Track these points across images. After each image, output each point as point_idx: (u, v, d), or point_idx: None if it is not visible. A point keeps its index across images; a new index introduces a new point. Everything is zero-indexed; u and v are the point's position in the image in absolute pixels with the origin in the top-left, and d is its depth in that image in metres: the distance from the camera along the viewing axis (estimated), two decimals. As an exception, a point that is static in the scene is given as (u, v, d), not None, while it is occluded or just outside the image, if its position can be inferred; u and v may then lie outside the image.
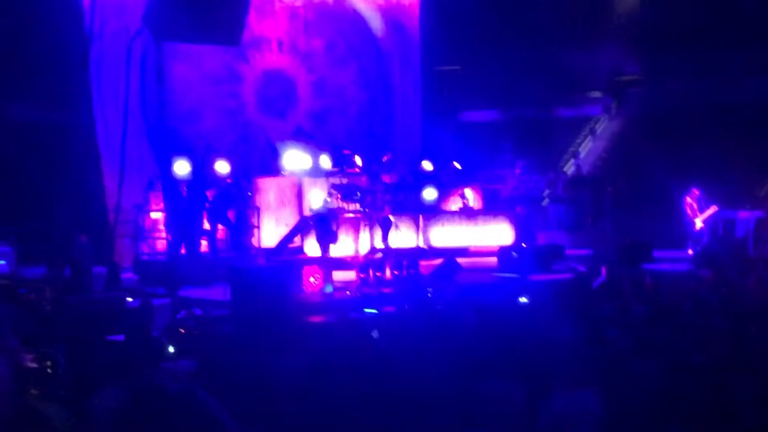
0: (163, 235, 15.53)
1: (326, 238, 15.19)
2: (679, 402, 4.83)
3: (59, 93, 16.22)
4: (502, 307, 8.71)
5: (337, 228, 15.55)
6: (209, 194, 15.49)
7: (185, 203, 14.41)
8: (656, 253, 16.49)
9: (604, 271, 10.85)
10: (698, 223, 17.64)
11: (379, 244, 16.18)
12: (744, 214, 17.89)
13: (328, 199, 15.99)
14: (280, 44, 20.74)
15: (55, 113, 16.64)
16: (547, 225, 20.82)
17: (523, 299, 9.55)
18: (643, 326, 6.98)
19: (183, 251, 14.67)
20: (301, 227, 16.09)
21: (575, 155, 25.17)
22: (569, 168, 24.51)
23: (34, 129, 17.34)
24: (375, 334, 6.95)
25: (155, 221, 16.09)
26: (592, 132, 27.57)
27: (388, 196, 17.36)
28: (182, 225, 14.25)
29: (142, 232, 15.62)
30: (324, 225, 15.32)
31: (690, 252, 16.94)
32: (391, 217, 16.45)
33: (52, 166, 15.20)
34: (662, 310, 7.55)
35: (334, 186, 17.04)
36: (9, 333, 5.49)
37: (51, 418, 3.06)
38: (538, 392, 5.26)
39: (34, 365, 5.25)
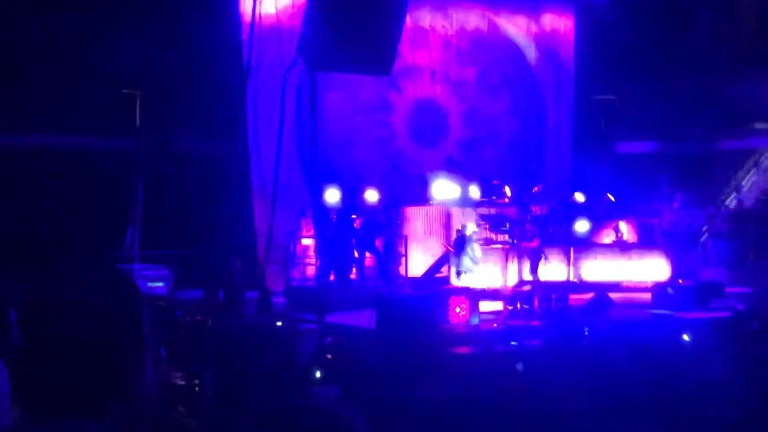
0: (313, 261, 15.83)
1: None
2: None
3: (218, 125, 16.87)
4: (655, 345, 8.37)
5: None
6: (358, 222, 15.68)
7: (334, 231, 14.65)
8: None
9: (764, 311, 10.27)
10: None
11: (527, 276, 15.91)
12: None
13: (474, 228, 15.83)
14: (432, 74, 20.86)
15: (214, 144, 17.31)
16: (706, 261, 19.99)
17: (685, 337, 9.14)
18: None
19: (331, 278, 14.88)
20: (447, 258, 16.04)
21: (738, 189, 24.11)
22: (731, 202, 23.49)
23: (194, 159, 18.10)
24: (520, 366, 6.80)
25: (305, 248, 16.43)
26: (757, 165, 26.33)
27: (537, 227, 17.08)
28: (331, 252, 14.48)
29: (292, 258, 15.96)
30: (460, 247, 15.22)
31: None
32: (541, 249, 16.17)
33: (210, 195, 15.79)
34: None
35: (482, 216, 16.92)
36: (160, 347, 5.67)
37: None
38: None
39: (182, 383, 5.40)
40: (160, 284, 14.96)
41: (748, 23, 27.61)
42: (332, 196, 15.04)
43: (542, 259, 15.98)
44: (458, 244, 15.38)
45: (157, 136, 17.89)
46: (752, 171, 26.03)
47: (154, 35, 16.83)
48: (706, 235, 21.32)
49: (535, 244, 16.27)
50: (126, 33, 17.03)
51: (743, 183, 25.24)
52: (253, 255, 15.85)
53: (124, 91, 17.61)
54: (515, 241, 16.53)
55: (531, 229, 16.94)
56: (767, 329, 9.23)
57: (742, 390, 5.90)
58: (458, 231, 15.65)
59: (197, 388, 5.45)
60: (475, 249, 15.34)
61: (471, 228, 15.83)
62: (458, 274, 15.23)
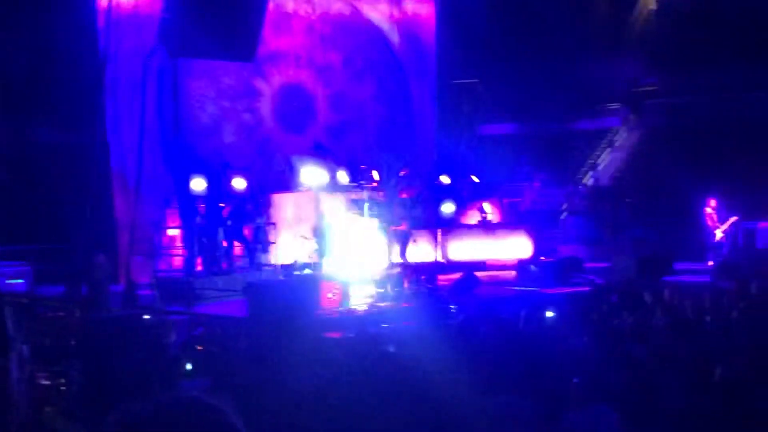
0: (180, 252, 15.55)
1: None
2: (700, 417, 4.75)
3: (76, 114, 16.32)
4: (519, 320, 8.64)
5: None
6: (226, 211, 15.49)
7: (201, 220, 14.43)
8: (676, 265, 16.37)
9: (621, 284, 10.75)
10: (718, 234, 17.48)
11: (397, 259, 16.10)
12: (765, 225, 17.71)
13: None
14: (297, 59, 20.78)
15: (72, 134, 16.75)
16: (566, 238, 20.71)
17: (549, 313, 9.45)
18: (664, 340, 6.88)
19: (199, 268, 14.67)
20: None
21: (594, 168, 25.05)
22: (588, 180, 24.39)
23: (51, 150, 17.46)
24: (391, 348, 6.89)
25: (172, 238, 16.12)
26: (611, 144, 27.43)
27: (405, 210, 17.31)
28: (198, 242, 14.26)
29: (159, 250, 15.63)
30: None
31: (710, 264, 16.77)
32: (409, 232, 16.38)
33: (69, 186, 15.28)
34: (683, 323, 7.45)
35: (352, 201, 17.01)
36: (23, 346, 5.48)
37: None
38: (553, 408, 5.19)
39: (47, 382, 5.24)
40: (20, 281, 14.39)
41: (600, 7, 28.67)
42: (198, 184, 14.79)
43: (411, 242, 16.20)
44: (318, 231, 15.41)
45: (12, 127, 17.17)
46: (607, 150, 27.10)
47: (7, 23, 16.12)
48: (566, 213, 22.10)
49: (403, 227, 16.48)
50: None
51: (599, 162, 26.25)
52: (116, 247, 15.46)
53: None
54: (384, 225, 16.68)
55: (399, 212, 17.15)
56: (624, 301, 9.66)
57: (603, 360, 6.16)
58: (318, 218, 15.67)
59: (63, 387, 5.30)
60: (335, 235, 15.38)
61: (333, 214, 15.92)
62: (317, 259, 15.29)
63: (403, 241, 16.11)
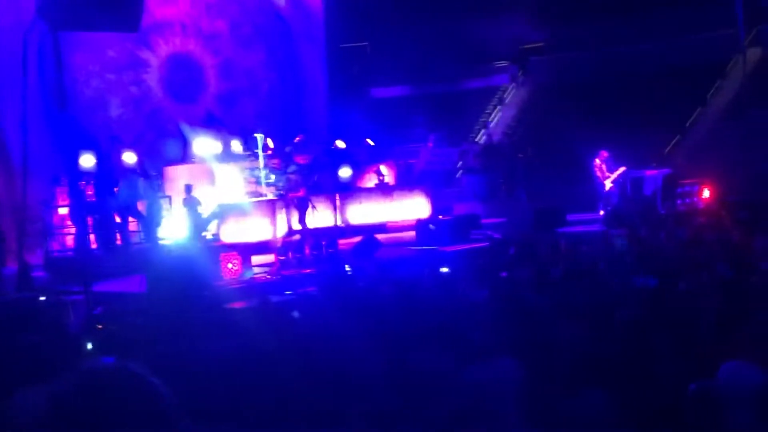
0: (72, 230, 15.11)
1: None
2: (600, 363, 4.91)
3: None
4: (419, 279, 8.75)
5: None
6: (118, 186, 15.13)
7: (91, 196, 14.04)
8: (569, 217, 16.82)
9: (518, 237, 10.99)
10: (608, 184, 18.00)
11: (296, 226, 16.05)
12: (651, 173, 18.32)
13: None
14: (183, 27, 20.34)
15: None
16: (462, 196, 21.00)
17: (444, 269, 9.60)
18: (560, 288, 7.07)
19: (94, 246, 14.31)
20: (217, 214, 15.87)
21: (485, 125, 25.41)
22: (480, 138, 24.74)
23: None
24: (295, 314, 6.89)
25: (64, 217, 15.65)
26: (501, 101, 27.87)
27: (302, 176, 17.24)
28: (87, 219, 13.88)
29: (50, 229, 15.17)
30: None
31: (601, 213, 17.28)
32: (308, 198, 16.34)
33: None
34: (578, 271, 7.66)
35: (249, 170, 16.89)
36: None
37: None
38: (459, 362, 5.28)
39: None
40: None
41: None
42: (87, 160, 14.37)
43: (309, 208, 16.15)
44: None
45: None
46: (497, 107, 27.52)
47: None
48: (461, 171, 22.40)
49: (301, 193, 16.41)
50: None
51: (490, 119, 26.65)
52: (6, 229, 14.94)
53: None
54: (282, 192, 16.59)
55: (296, 179, 17.07)
56: (522, 254, 9.87)
57: (502, 312, 6.29)
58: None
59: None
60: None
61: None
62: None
63: (302, 207, 16.05)
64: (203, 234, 15.47)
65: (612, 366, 4.89)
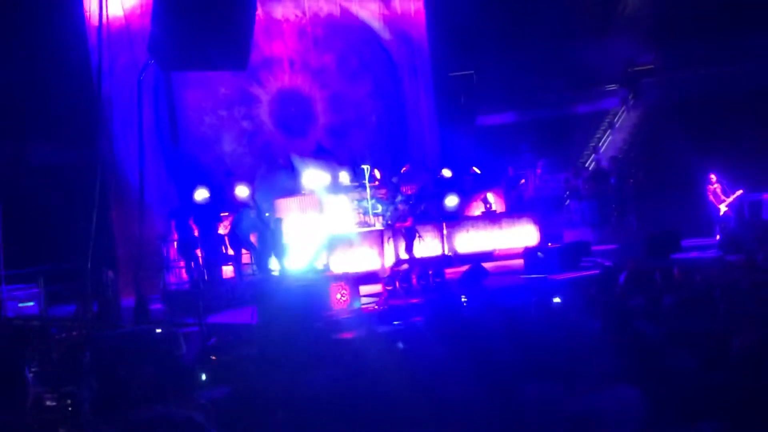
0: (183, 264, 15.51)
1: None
2: (715, 395, 4.73)
3: (74, 132, 16.35)
4: (528, 308, 8.62)
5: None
6: (229, 219, 15.49)
7: (200, 230, 14.38)
8: (683, 242, 16.34)
9: (629, 264, 10.72)
10: (723, 209, 17.44)
11: (404, 255, 16.10)
12: (769, 196, 17.69)
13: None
14: (291, 63, 20.79)
15: (71, 152, 16.79)
16: (572, 222, 20.68)
17: (557, 299, 9.44)
18: (675, 317, 6.87)
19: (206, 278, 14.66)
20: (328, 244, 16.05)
21: (595, 150, 25.02)
22: (590, 163, 24.37)
23: (52, 169, 17.50)
24: (400, 345, 6.89)
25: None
26: (611, 125, 27.40)
27: (409, 206, 17.32)
28: (195, 252, 14.22)
29: (167, 263, 15.63)
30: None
31: (717, 238, 16.73)
32: (414, 228, 16.37)
33: (73, 205, 15.30)
34: (692, 299, 7.42)
35: (357, 201, 17.07)
36: (28, 372, 5.51)
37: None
38: (575, 391, 5.17)
39: (54, 404, 5.25)
40: (31, 303, 14.45)
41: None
42: (201, 195, 14.78)
43: (416, 237, 16.18)
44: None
45: (10, 149, 17.20)
46: (607, 131, 27.06)
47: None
48: (569, 197, 22.06)
49: (408, 223, 16.47)
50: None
51: (600, 144, 26.22)
52: (124, 263, 15.48)
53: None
54: (389, 222, 16.69)
55: (403, 209, 17.16)
56: (634, 282, 9.63)
57: (616, 341, 6.15)
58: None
59: (70, 408, 5.30)
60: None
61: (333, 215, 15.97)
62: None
63: (409, 237, 16.10)
64: (315, 264, 15.67)
65: (729, 396, 4.71)
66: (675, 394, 4.95)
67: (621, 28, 27.99)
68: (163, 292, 15.07)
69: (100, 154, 14.41)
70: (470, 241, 17.74)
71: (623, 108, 27.89)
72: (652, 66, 28.53)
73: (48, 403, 5.24)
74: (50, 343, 10.17)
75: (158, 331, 11.14)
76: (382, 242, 16.07)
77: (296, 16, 20.93)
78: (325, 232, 16.19)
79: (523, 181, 20.32)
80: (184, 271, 15.81)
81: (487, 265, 14.89)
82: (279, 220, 15.79)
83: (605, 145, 26.48)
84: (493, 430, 4.87)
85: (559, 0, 27.69)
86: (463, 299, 11.76)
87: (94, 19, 15.53)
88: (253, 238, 15.51)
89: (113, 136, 17.06)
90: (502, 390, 5.26)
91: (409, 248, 16.02)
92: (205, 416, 2.13)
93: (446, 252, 17.06)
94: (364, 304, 12.56)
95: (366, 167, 16.75)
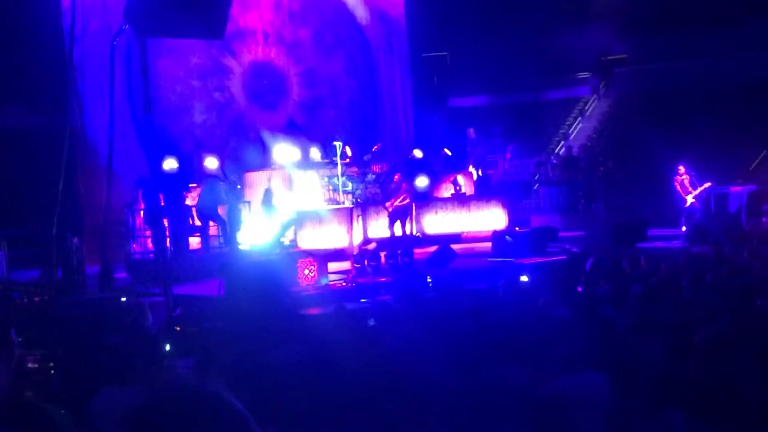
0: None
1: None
2: (681, 383, 4.79)
3: (44, 96, 16.14)
4: (495, 290, 8.67)
5: None
6: (198, 190, 15.37)
7: (167, 200, 14.24)
8: (650, 232, 16.51)
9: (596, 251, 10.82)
10: (689, 200, 17.63)
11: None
12: (736, 189, 17.89)
13: None
14: (265, 36, 20.63)
15: (40, 116, 16.59)
16: (540, 208, 20.81)
17: (524, 278, 9.50)
18: (641, 305, 6.94)
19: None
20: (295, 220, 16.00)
21: (565, 137, 25.15)
22: (560, 150, 24.49)
23: (19, 133, 17.28)
24: (371, 322, 6.90)
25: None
26: (582, 113, 27.56)
27: (379, 185, 17.32)
28: (161, 223, 14.09)
29: (133, 231, 15.49)
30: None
31: (683, 229, 16.93)
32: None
33: (40, 170, 15.12)
34: (659, 288, 7.50)
35: (327, 177, 17.02)
36: (11, 330, 5.45)
37: (54, 419, 3.01)
38: (540, 376, 5.21)
39: (35, 366, 5.21)
40: (-6, 266, 14.31)
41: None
42: (170, 164, 14.64)
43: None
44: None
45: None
46: (578, 119, 27.21)
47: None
48: (538, 183, 22.20)
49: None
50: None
51: (570, 131, 26.36)
52: (90, 230, 15.32)
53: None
54: (359, 200, 16.66)
55: (373, 187, 17.17)
56: (601, 269, 9.72)
57: (583, 328, 6.20)
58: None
59: (52, 371, 5.26)
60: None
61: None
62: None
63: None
64: (281, 240, 15.62)
65: (694, 385, 4.77)
66: (641, 382, 5.01)
67: (596, 16, 28.08)
68: (127, 260, 14.95)
69: (70, 119, 14.23)
70: (439, 222, 17.78)
71: (594, 96, 28.05)
72: (625, 56, 28.71)
73: (30, 365, 5.19)
74: (12, 307, 10.07)
75: (123, 299, 11.07)
76: (351, 220, 16.02)
77: (273, -12, 20.76)
78: (293, 208, 16.12)
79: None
80: (150, 240, 15.68)
81: (455, 247, 14.96)
82: (239, 191, 15.77)
83: (575, 132, 26.64)
84: (457, 410, 4.89)
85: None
86: (428, 280, 11.81)
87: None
88: (221, 211, 15.42)
89: (83, 100, 16.87)
90: (467, 371, 5.29)
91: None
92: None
93: (415, 232, 17.06)
94: (331, 281, 12.56)
95: (338, 144, 16.65)
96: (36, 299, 11.00)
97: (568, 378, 4.75)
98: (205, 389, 2.08)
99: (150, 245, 15.44)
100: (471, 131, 19.96)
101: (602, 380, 4.60)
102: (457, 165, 19.60)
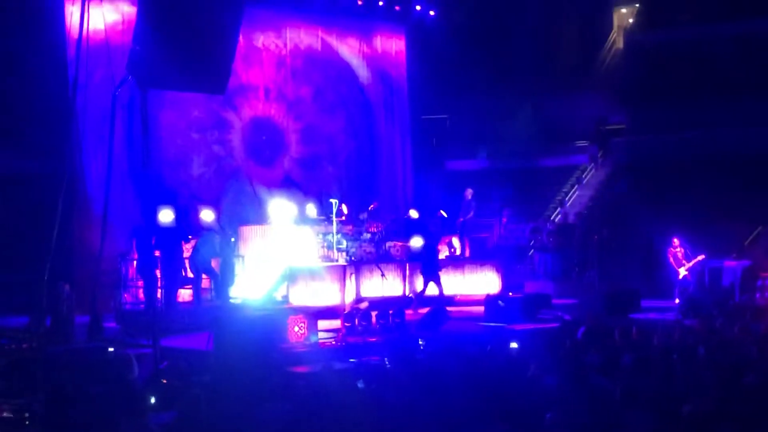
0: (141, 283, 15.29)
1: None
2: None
3: (44, 143, 16.21)
4: (487, 355, 8.63)
5: None
6: (192, 242, 15.33)
7: (162, 251, 14.21)
8: (643, 303, 16.47)
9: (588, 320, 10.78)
10: (682, 272, 17.63)
11: (365, 293, 16.04)
12: (730, 263, 17.91)
13: None
14: (266, 92, 20.82)
15: (39, 163, 16.64)
16: (534, 274, 20.77)
17: (513, 344, 9.46)
18: (631, 376, 6.90)
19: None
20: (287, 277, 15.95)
21: (561, 204, 25.23)
22: (556, 216, 24.56)
23: (18, 180, 17.31)
24: (360, 384, 6.84)
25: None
26: (579, 181, 27.69)
27: (373, 244, 17.33)
28: (154, 274, 14.04)
29: (125, 281, 15.42)
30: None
31: (677, 301, 16.89)
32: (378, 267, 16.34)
33: (35, 216, 15.11)
34: (650, 359, 7.47)
35: (323, 234, 17.01)
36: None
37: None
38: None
39: (10, 416, 5.15)
40: (-19, 312, 14.18)
41: (568, 46, 29.09)
42: (165, 216, 14.64)
43: (379, 276, 16.11)
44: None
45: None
46: (575, 187, 27.33)
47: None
48: (533, 249, 22.19)
49: (372, 261, 16.38)
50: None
51: (566, 198, 26.46)
52: (81, 278, 15.23)
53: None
54: (353, 258, 16.64)
55: (368, 246, 17.17)
56: (592, 337, 9.67)
57: (574, 396, 6.16)
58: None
59: (27, 422, 5.20)
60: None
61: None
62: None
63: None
64: (274, 295, 15.55)
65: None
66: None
67: (596, 86, 28.43)
68: (117, 310, 14.84)
69: (68, 166, 14.26)
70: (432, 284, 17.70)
71: (592, 165, 28.23)
72: (623, 126, 28.98)
73: (5, 414, 5.14)
74: (1, 354, 9.99)
75: (111, 350, 10.97)
76: (344, 278, 15.99)
77: (276, 46, 21.01)
78: (285, 264, 16.08)
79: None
80: (141, 291, 15.60)
81: (447, 309, 14.90)
82: (233, 244, 15.75)
83: (572, 199, 26.74)
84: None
85: (537, 54, 28.10)
86: (420, 342, 11.74)
87: (74, 32, 15.45)
88: (215, 264, 15.38)
89: (83, 149, 16.94)
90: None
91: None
92: None
93: (407, 293, 17.02)
94: (321, 339, 12.47)
95: (334, 201, 16.70)
96: (24, 346, 10.89)
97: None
98: None
99: (141, 296, 15.35)
100: (468, 192, 20.03)
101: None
102: (452, 227, 19.64)
